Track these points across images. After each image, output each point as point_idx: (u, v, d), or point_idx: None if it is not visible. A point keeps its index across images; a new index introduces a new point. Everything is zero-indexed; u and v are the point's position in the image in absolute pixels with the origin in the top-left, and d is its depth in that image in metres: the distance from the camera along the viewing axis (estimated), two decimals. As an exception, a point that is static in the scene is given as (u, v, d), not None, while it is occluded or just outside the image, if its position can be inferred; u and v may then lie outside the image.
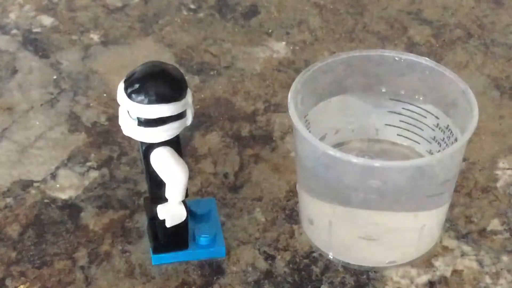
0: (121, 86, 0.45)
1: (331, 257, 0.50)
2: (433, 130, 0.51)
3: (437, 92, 0.50)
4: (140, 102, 0.43)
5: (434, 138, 0.51)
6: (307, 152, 0.48)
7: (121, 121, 0.45)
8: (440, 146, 0.50)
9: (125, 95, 0.44)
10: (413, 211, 0.48)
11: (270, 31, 0.68)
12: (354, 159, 0.44)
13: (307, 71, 0.49)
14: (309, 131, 0.46)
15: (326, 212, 0.49)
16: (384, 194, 0.47)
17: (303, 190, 0.50)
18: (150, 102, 0.43)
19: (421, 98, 0.51)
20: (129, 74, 0.45)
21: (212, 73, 0.64)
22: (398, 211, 0.48)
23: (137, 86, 0.44)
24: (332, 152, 0.45)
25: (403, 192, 0.47)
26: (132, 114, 0.44)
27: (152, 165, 0.46)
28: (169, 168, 0.45)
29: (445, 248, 0.51)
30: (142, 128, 0.44)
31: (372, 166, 0.45)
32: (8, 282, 0.49)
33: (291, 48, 0.66)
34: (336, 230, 0.49)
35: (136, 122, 0.44)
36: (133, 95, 0.44)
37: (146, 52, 0.66)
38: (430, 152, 0.51)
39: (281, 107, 0.60)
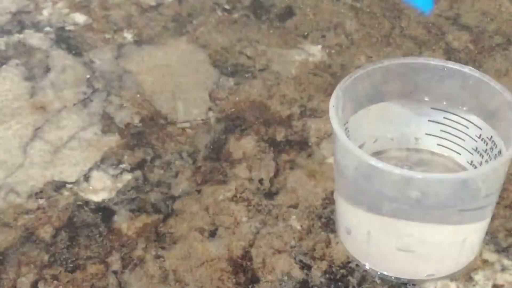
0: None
1: (368, 268, 0.49)
2: (475, 141, 0.49)
3: (480, 102, 0.49)
4: None
5: (476, 149, 0.50)
6: (347, 161, 0.47)
7: None
8: (482, 157, 0.49)
9: None
10: (454, 224, 0.47)
11: (305, 33, 0.67)
12: (397, 170, 0.43)
13: (349, 78, 0.48)
14: (348, 139, 0.45)
15: (364, 221, 0.48)
16: (424, 206, 0.46)
17: (341, 198, 0.49)
18: None
19: (464, 108, 0.50)
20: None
21: (247, 75, 0.63)
22: (438, 224, 0.47)
23: None
24: (374, 162, 0.44)
25: (444, 205, 0.46)
26: None
27: None
28: None
29: (485, 262, 0.50)
30: None
31: (414, 178, 0.44)
32: (40, 285, 0.48)
33: (327, 51, 0.65)
34: (374, 241, 0.48)
35: None
36: None
37: (180, 52, 0.65)
38: (472, 163, 0.50)
39: (317, 112, 0.60)
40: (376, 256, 0.49)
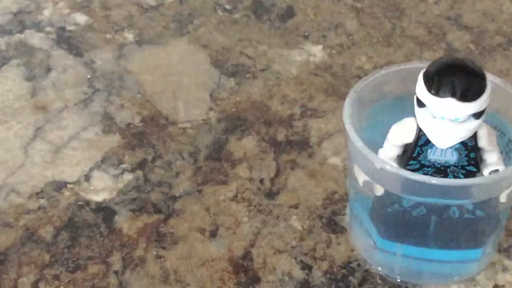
0: None
1: (399, 280, 0.48)
2: None
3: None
4: None
5: None
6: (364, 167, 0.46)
7: None
8: None
9: None
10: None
11: (306, 34, 0.67)
12: (432, 181, 0.42)
13: (362, 83, 0.47)
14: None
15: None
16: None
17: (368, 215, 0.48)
18: None
19: None
20: None
21: (247, 75, 0.63)
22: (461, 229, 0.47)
23: None
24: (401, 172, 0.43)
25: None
26: None
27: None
28: None
29: (486, 262, 0.50)
30: None
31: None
32: (41, 285, 0.48)
33: (328, 51, 0.65)
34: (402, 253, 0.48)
35: None
36: None
37: (181, 52, 0.65)
38: None
39: (317, 112, 0.60)
40: (407, 267, 0.49)
